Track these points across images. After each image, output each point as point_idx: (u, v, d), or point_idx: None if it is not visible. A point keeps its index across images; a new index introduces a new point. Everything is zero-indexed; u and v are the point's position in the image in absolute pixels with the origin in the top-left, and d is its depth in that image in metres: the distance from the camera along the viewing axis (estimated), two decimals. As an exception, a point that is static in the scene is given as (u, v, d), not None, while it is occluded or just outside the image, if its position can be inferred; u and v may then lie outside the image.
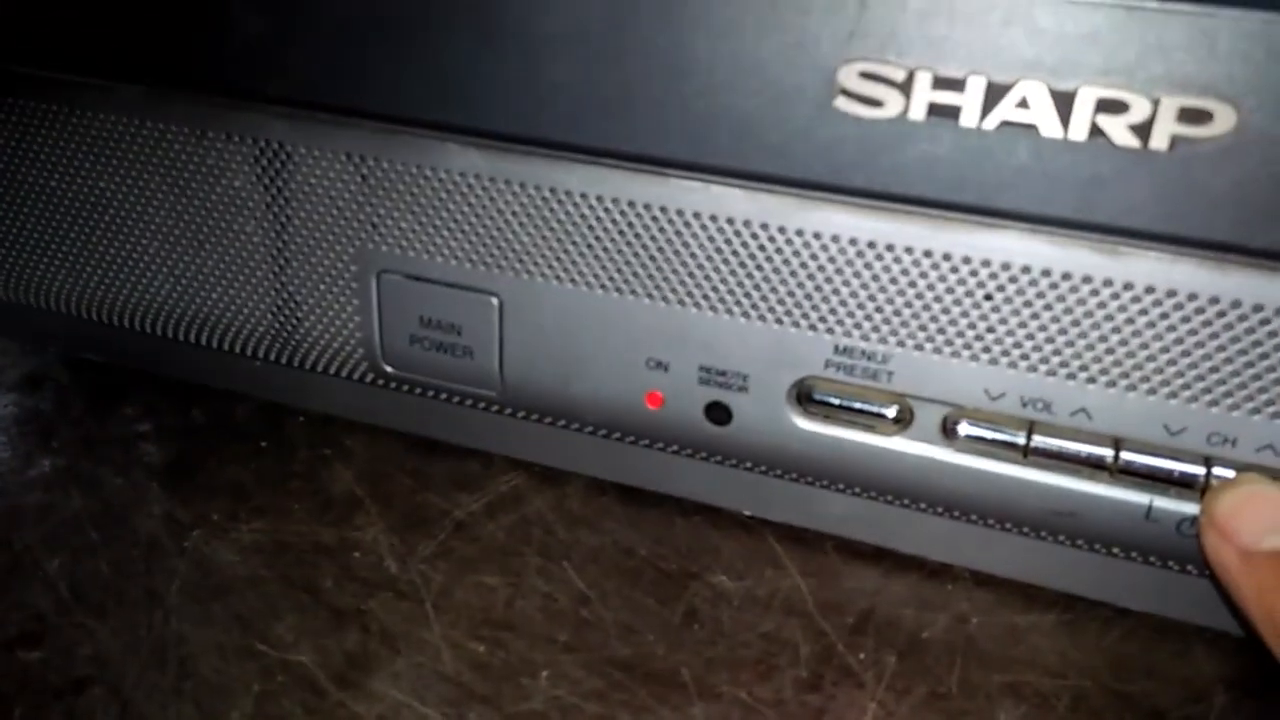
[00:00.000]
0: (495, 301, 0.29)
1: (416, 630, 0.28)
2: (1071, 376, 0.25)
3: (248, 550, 0.30)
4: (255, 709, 0.26)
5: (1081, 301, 0.24)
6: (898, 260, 0.25)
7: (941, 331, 0.25)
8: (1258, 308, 0.23)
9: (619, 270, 0.28)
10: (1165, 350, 0.24)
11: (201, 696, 0.26)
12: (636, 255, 0.27)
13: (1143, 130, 0.22)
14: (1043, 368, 0.25)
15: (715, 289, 0.27)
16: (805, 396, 0.28)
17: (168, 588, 0.29)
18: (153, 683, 0.26)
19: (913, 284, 0.25)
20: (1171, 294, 0.23)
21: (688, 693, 0.27)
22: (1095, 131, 0.22)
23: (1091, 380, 0.25)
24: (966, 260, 0.24)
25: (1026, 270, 0.24)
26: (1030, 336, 0.25)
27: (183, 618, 0.28)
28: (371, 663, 0.27)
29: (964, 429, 0.26)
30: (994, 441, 0.26)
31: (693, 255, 0.27)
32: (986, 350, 0.25)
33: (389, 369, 0.31)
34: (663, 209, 0.26)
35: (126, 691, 0.26)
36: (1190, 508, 0.25)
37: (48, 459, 0.34)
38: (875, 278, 0.25)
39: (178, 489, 0.33)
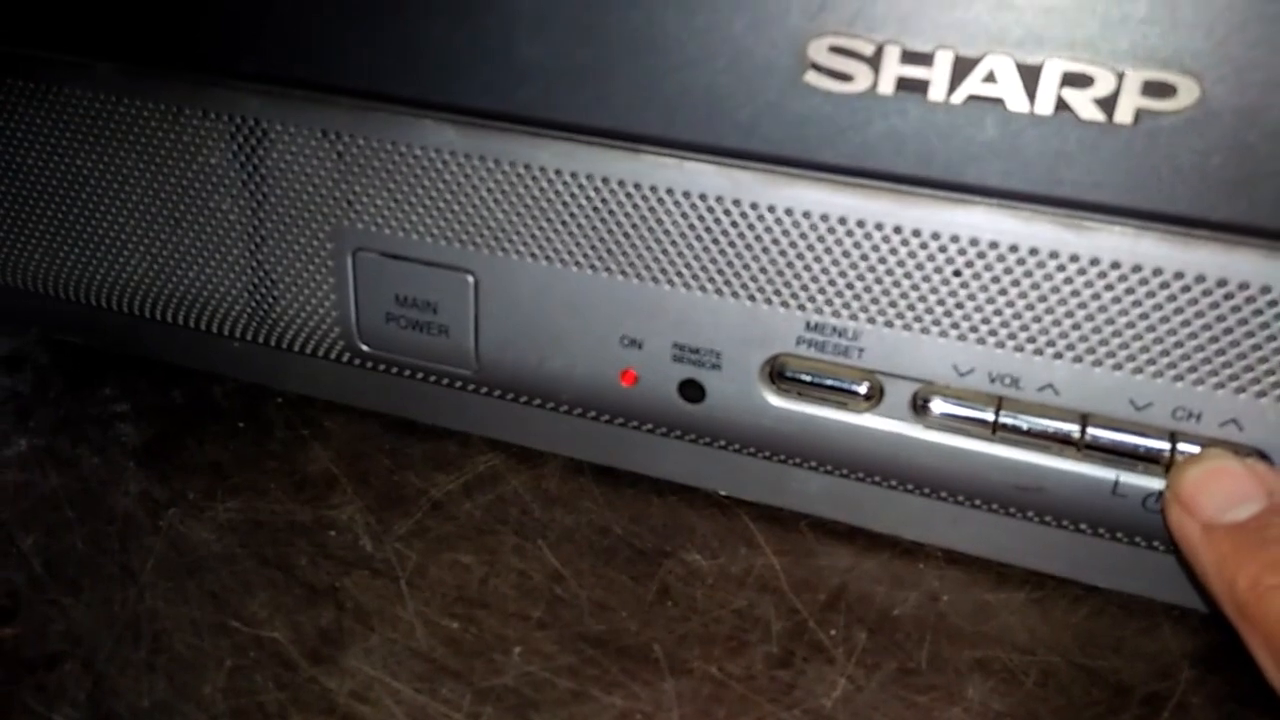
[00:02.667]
0: (471, 279, 0.29)
1: (390, 607, 0.28)
2: (1039, 352, 0.25)
3: (223, 528, 0.31)
4: (227, 683, 0.26)
5: (1048, 277, 0.24)
6: (868, 236, 0.25)
7: (911, 308, 0.26)
8: (1221, 282, 0.23)
9: (593, 247, 0.28)
10: (1131, 325, 0.24)
11: (174, 671, 0.26)
12: (610, 232, 0.27)
13: (1108, 104, 0.22)
14: (1010, 343, 0.25)
15: (688, 266, 0.27)
16: (778, 374, 0.28)
17: (143, 565, 0.29)
18: (126, 658, 0.26)
19: (882, 260, 0.25)
20: (1137, 269, 0.24)
21: (659, 668, 0.27)
22: (1061, 105, 0.22)
23: (1058, 355, 0.25)
24: (935, 236, 0.25)
25: (994, 245, 0.24)
26: (998, 312, 0.25)
27: (157, 594, 0.28)
28: (345, 639, 0.27)
29: (934, 405, 0.26)
30: (963, 418, 0.26)
31: (666, 232, 0.27)
32: (955, 326, 0.25)
33: (365, 348, 0.32)
34: (636, 185, 0.26)
35: (99, 666, 0.26)
36: (1156, 483, 0.26)
37: (25, 438, 0.34)
38: (846, 254, 0.25)
39: (155, 468, 0.33)
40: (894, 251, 0.25)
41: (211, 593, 0.28)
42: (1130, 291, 0.24)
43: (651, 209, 0.27)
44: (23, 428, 0.34)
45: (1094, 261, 0.24)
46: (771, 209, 0.26)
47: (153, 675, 0.26)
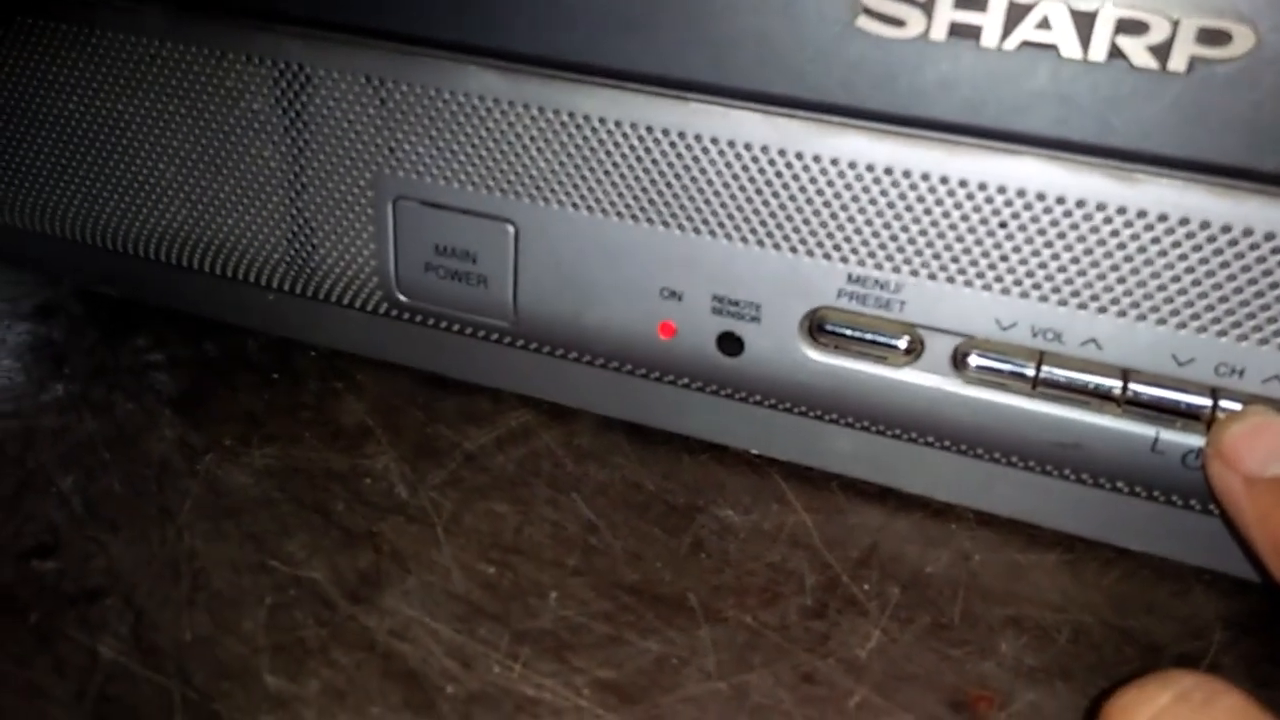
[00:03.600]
0: (511, 229, 0.29)
1: (427, 552, 0.28)
2: (1083, 306, 0.25)
3: (260, 473, 0.31)
4: (269, 619, 0.26)
5: (1095, 229, 0.24)
6: (913, 187, 0.25)
7: (955, 260, 0.26)
8: (1269, 235, 0.23)
9: (635, 197, 0.28)
10: (1176, 279, 0.24)
11: (215, 607, 0.26)
12: (653, 181, 0.27)
13: (1162, 51, 0.22)
14: (1054, 297, 0.25)
15: (730, 216, 0.27)
16: (817, 327, 0.28)
17: (180, 506, 0.29)
18: (165, 594, 0.27)
19: (927, 211, 0.25)
20: (1184, 221, 0.24)
21: (694, 616, 0.27)
22: (1115, 52, 0.22)
23: (1102, 310, 0.25)
24: (982, 186, 0.25)
25: (1041, 197, 0.24)
26: (1043, 265, 0.25)
27: (195, 534, 0.28)
28: (383, 580, 0.27)
29: (974, 360, 0.26)
30: (1003, 372, 0.26)
31: (709, 181, 0.27)
32: (999, 279, 0.25)
33: (403, 298, 0.32)
34: (681, 134, 0.26)
35: (140, 601, 0.26)
36: (1196, 440, 0.26)
37: (60, 384, 0.34)
38: (890, 204, 0.25)
39: (190, 415, 0.33)
40: (940, 202, 0.25)
41: (250, 534, 0.28)
42: (1177, 245, 0.24)
43: (695, 158, 0.27)
44: (58, 373, 0.34)
45: (1141, 214, 0.24)
46: (817, 159, 0.26)
47: (193, 610, 0.26)
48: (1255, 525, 0.23)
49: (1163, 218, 0.24)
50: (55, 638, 0.25)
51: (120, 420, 0.33)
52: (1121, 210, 0.24)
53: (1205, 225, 0.23)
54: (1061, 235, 0.24)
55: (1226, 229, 0.23)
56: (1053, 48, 0.22)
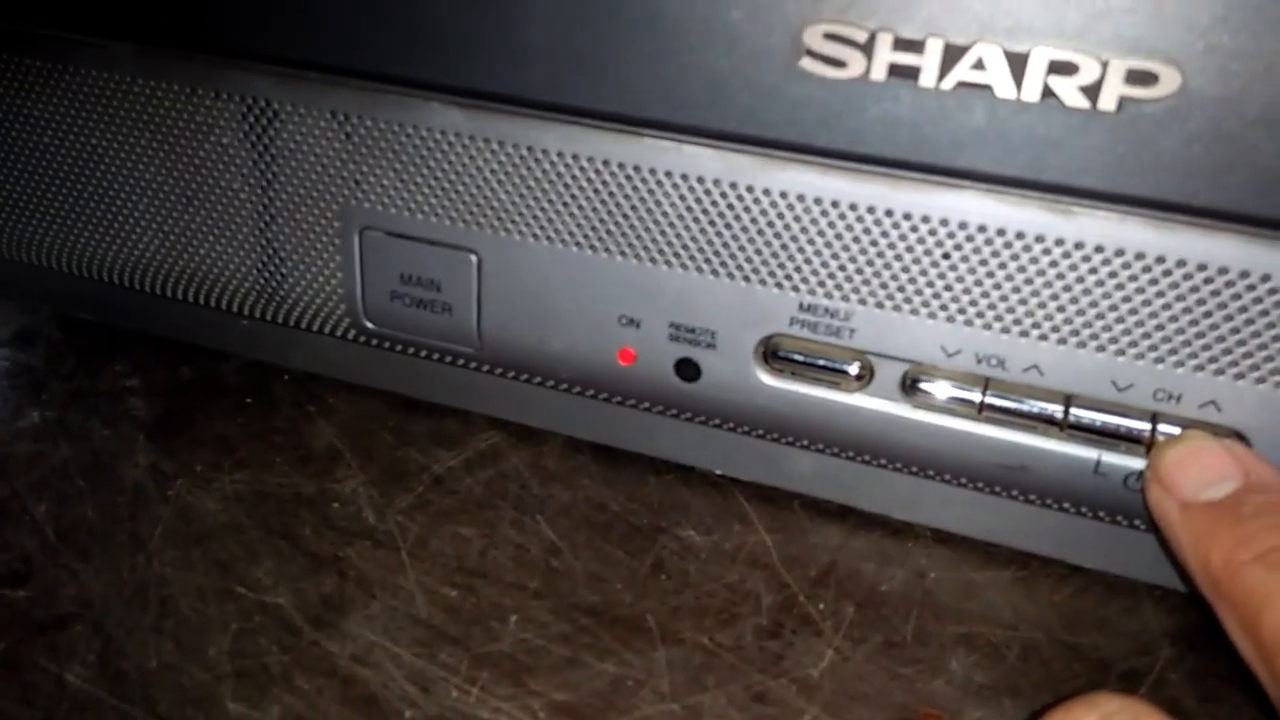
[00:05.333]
0: (474, 259, 0.30)
1: (391, 576, 0.29)
2: (1025, 334, 0.26)
3: (230, 499, 0.31)
4: (232, 645, 0.27)
5: (1034, 260, 0.25)
6: (860, 219, 0.26)
7: (901, 289, 0.26)
8: (1202, 267, 0.24)
9: (594, 228, 0.28)
10: (1114, 308, 0.25)
11: (181, 634, 0.27)
12: (611, 213, 0.28)
13: (1092, 91, 0.22)
14: (997, 325, 0.26)
15: (686, 247, 0.28)
16: (771, 353, 0.28)
17: (151, 533, 0.30)
18: (134, 621, 0.27)
19: (874, 242, 0.26)
20: (1120, 253, 0.24)
21: (652, 637, 0.28)
22: (1047, 92, 0.23)
23: (1044, 337, 0.26)
24: (925, 219, 0.25)
25: (982, 229, 0.25)
26: (986, 294, 0.26)
27: (164, 561, 0.29)
28: (346, 605, 0.28)
29: (922, 385, 0.27)
30: (950, 398, 0.27)
31: (665, 213, 0.27)
32: (944, 308, 0.26)
33: (370, 325, 0.32)
34: (636, 168, 0.27)
35: (109, 628, 0.27)
36: (1136, 463, 0.26)
37: (37, 411, 0.35)
38: (838, 236, 0.26)
39: (164, 441, 0.33)
40: (885, 234, 0.26)
41: (217, 560, 0.29)
42: (1114, 275, 0.25)
43: (651, 191, 0.27)
44: (35, 400, 0.35)
45: (1079, 245, 0.24)
46: (767, 192, 0.26)
47: (160, 637, 0.27)
48: (1187, 548, 0.23)
49: (1099, 249, 0.24)
50: (24, 666, 0.26)
51: (95, 446, 0.33)
52: (1059, 242, 0.25)
53: (1140, 256, 0.24)
54: (1002, 266, 0.25)
55: (1161, 260, 0.24)
56: (988, 88, 0.23)
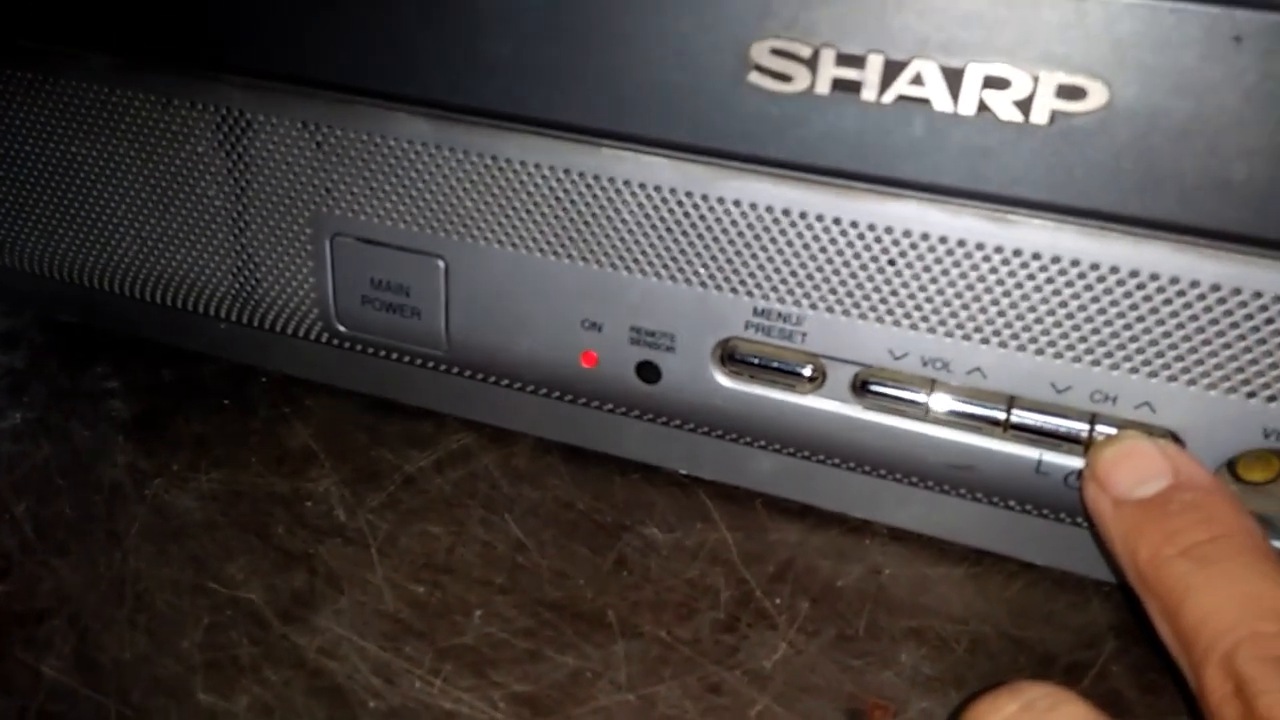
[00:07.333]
0: (441, 264, 0.31)
1: (360, 572, 0.30)
2: (967, 337, 0.27)
3: (205, 498, 0.32)
4: (204, 638, 0.27)
5: (975, 267, 0.26)
6: (809, 227, 0.27)
7: (850, 294, 0.27)
8: (1134, 273, 0.25)
9: (556, 235, 0.29)
10: (1051, 313, 0.26)
11: (154, 627, 0.28)
12: (572, 220, 0.29)
13: (1024, 105, 0.23)
14: (941, 329, 0.27)
15: (644, 253, 0.29)
16: (728, 356, 0.29)
17: (128, 530, 0.31)
18: (109, 615, 0.28)
19: (823, 250, 0.27)
20: (1056, 260, 0.25)
21: (611, 631, 0.29)
22: (982, 106, 0.24)
23: (985, 341, 0.27)
24: (871, 227, 0.26)
25: (925, 237, 0.26)
26: (930, 300, 0.27)
27: (140, 557, 0.30)
28: (316, 600, 0.29)
29: (871, 387, 0.28)
30: (898, 399, 0.28)
31: (623, 221, 0.28)
32: (890, 313, 0.27)
33: (342, 328, 0.33)
34: (595, 177, 0.28)
35: (85, 621, 0.28)
36: (1075, 462, 0.27)
37: (19, 412, 0.36)
38: (789, 244, 0.27)
39: (142, 441, 0.34)
40: (833, 242, 0.27)
41: (192, 556, 0.30)
42: (1050, 281, 0.26)
43: (610, 199, 0.28)
44: (17, 402, 0.36)
45: (1016, 253, 0.25)
46: (720, 201, 0.27)
47: (134, 631, 0.28)
48: (1118, 543, 0.24)
49: (1036, 256, 0.25)
50: (2, 657, 0.27)
51: (76, 446, 0.34)
52: (998, 249, 0.26)
53: (1075, 263, 0.25)
54: (945, 272, 0.26)
55: (1095, 266, 0.25)
56: (926, 102, 0.24)
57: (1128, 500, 0.25)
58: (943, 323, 0.27)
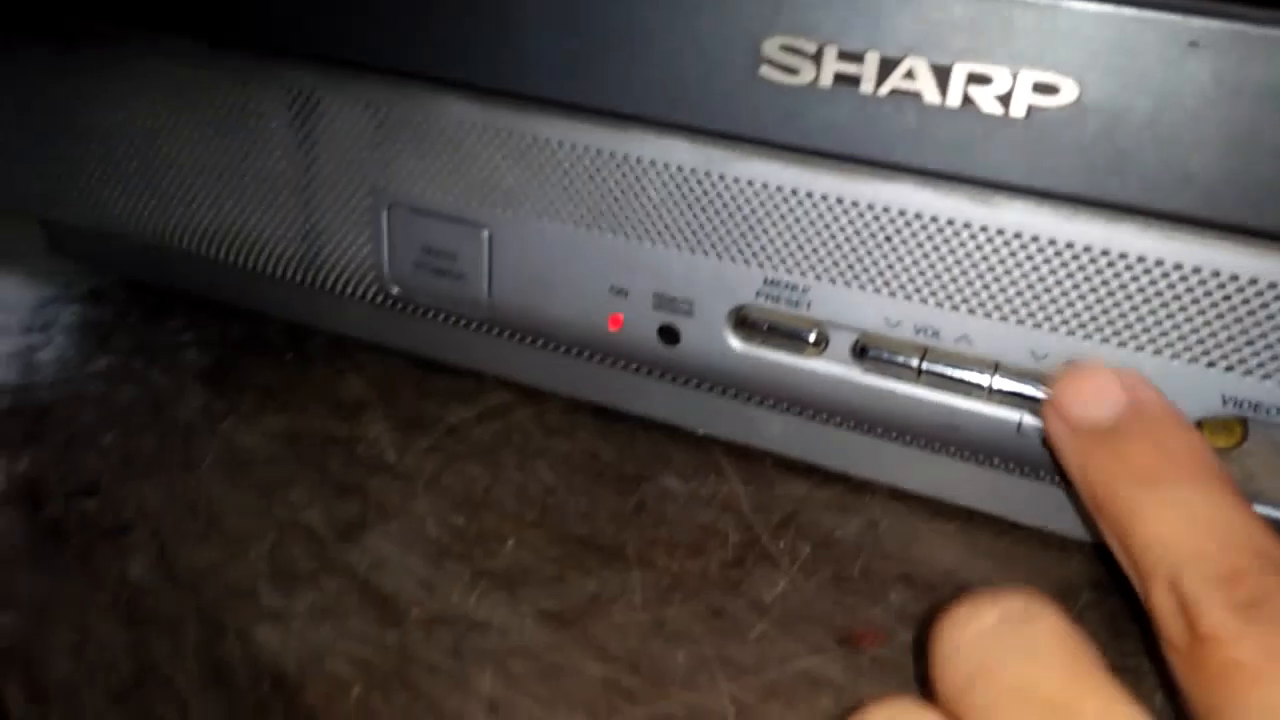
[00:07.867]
0: (485, 233, 0.34)
1: (407, 504, 0.34)
2: (955, 308, 0.30)
3: (270, 436, 0.36)
4: (269, 552, 0.31)
5: (962, 244, 0.29)
6: (815, 205, 0.30)
7: (851, 267, 0.30)
8: (1104, 251, 0.28)
9: (588, 208, 0.33)
10: (1030, 286, 0.29)
11: (224, 542, 0.32)
12: (602, 195, 0.32)
13: (1004, 99, 0.26)
14: (931, 300, 0.30)
15: (666, 226, 0.32)
16: (741, 321, 0.33)
17: (201, 461, 0.35)
18: (186, 530, 0.32)
19: (826, 226, 0.30)
20: (1035, 238, 0.28)
21: (629, 562, 0.32)
22: (967, 100, 0.27)
23: (971, 311, 0.30)
24: (870, 206, 0.29)
25: (917, 216, 0.29)
26: (922, 272, 0.30)
27: (212, 484, 0.34)
28: (367, 524, 0.33)
29: (870, 352, 0.31)
30: (893, 363, 0.31)
31: (648, 196, 0.32)
32: (887, 284, 0.30)
33: (395, 290, 0.37)
34: (624, 156, 0.31)
35: (164, 535, 0.32)
36: (1052, 423, 0.30)
37: (105, 358, 0.40)
38: (796, 220, 0.30)
39: (213, 387, 0.38)
40: (836, 219, 0.30)
41: (257, 484, 0.34)
42: (1030, 258, 0.28)
43: (637, 177, 0.32)
44: (105, 349, 0.40)
45: (1000, 231, 0.28)
46: (735, 180, 0.30)
47: (207, 544, 0.31)
48: (1075, 470, 0.25)
49: (1017, 235, 0.28)
50: (93, 559, 0.30)
51: (155, 389, 0.38)
52: (983, 228, 0.28)
53: (1052, 242, 0.28)
54: (936, 248, 0.29)
55: (1070, 245, 0.28)
56: (917, 95, 0.27)
57: (1083, 426, 0.26)
58: (933, 293, 0.30)
